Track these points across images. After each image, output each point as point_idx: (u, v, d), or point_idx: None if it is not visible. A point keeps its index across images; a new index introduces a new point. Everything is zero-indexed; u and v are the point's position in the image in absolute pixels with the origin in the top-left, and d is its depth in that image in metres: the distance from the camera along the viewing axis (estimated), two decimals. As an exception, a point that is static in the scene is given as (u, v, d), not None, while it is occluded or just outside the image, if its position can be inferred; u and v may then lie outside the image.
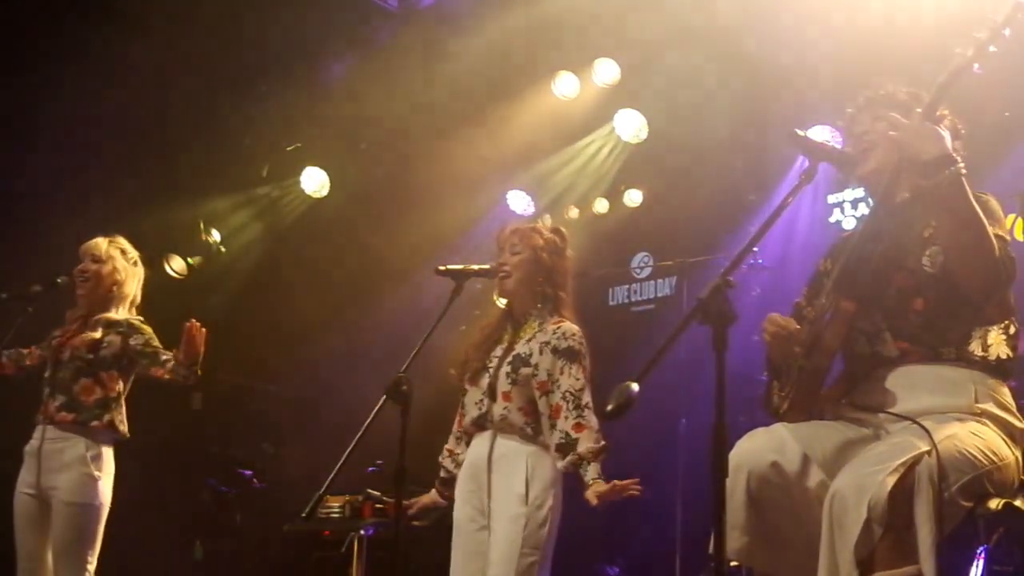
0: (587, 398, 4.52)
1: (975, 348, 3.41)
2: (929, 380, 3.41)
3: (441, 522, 7.24)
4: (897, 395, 3.43)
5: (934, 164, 3.24)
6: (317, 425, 9.04)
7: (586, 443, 4.44)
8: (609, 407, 2.67)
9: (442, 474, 4.97)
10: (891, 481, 3.01)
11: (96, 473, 5.28)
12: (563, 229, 4.92)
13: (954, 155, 3.26)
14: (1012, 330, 3.47)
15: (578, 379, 4.54)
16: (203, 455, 9.57)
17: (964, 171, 3.23)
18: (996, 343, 3.44)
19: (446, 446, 4.99)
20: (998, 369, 3.44)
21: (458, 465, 4.84)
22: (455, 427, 4.95)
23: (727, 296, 2.81)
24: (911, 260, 3.48)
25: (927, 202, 3.43)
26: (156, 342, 5.49)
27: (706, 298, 2.79)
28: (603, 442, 4.46)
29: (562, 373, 4.55)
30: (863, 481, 3.03)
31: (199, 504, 9.43)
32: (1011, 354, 3.43)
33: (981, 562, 5.47)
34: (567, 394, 4.52)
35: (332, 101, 8.80)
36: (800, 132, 3.42)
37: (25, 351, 5.66)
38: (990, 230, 3.27)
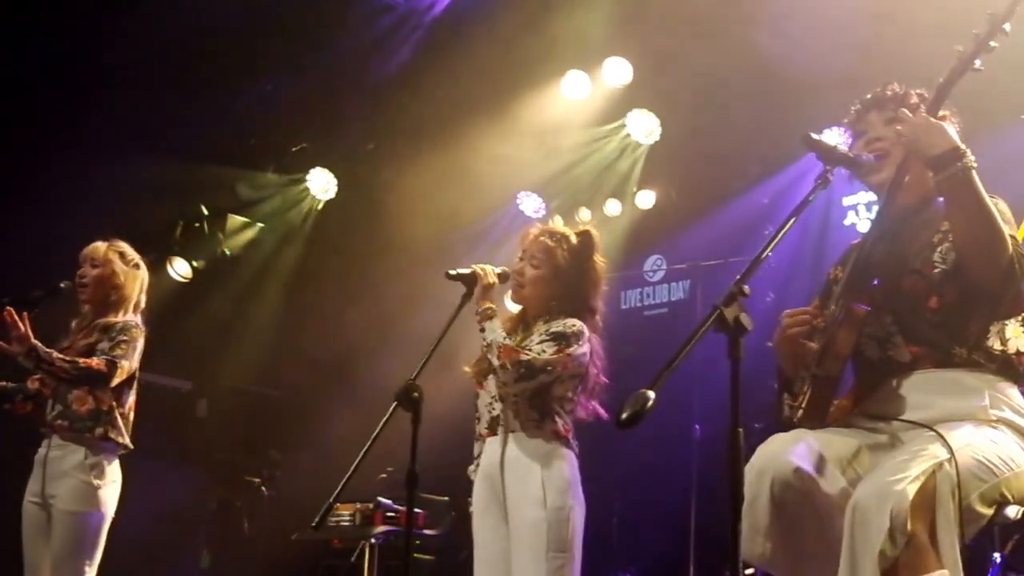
0: (539, 361, 4.43)
1: (993, 343, 3.38)
2: (942, 386, 3.37)
3: (452, 530, 7.24)
4: (910, 402, 3.39)
5: (944, 158, 3.23)
6: (325, 431, 8.99)
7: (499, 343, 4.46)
8: (624, 415, 2.61)
9: None
10: (912, 490, 2.96)
11: (96, 482, 5.22)
12: (593, 232, 4.83)
13: (964, 148, 3.25)
14: None
15: (542, 343, 4.49)
16: (209, 463, 9.53)
17: (974, 164, 3.22)
18: (1015, 336, 3.42)
19: None
20: (1012, 370, 3.41)
21: None
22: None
23: (743, 305, 2.77)
24: (919, 263, 3.45)
25: (936, 209, 3.44)
26: (129, 347, 5.35)
27: (721, 306, 2.74)
28: (508, 363, 4.41)
29: (540, 344, 4.50)
30: (884, 490, 2.98)
31: (206, 512, 9.40)
32: None
33: (997, 569, 5.46)
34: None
35: (338, 101, 8.75)
36: (815, 136, 3.37)
37: (35, 382, 5.54)
38: (1003, 225, 3.25)
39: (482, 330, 4.54)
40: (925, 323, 3.40)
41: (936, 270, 3.40)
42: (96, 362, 5.23)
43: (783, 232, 3.10)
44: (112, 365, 5.25)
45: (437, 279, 4.77)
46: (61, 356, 5.21)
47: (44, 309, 5.44)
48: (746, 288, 2.80)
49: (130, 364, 5.36)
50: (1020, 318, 3.44)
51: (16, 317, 5.12)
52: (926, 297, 3.41)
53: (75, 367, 5.20)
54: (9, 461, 5.68)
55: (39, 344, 5.17)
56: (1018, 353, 3.40)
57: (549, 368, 4.45)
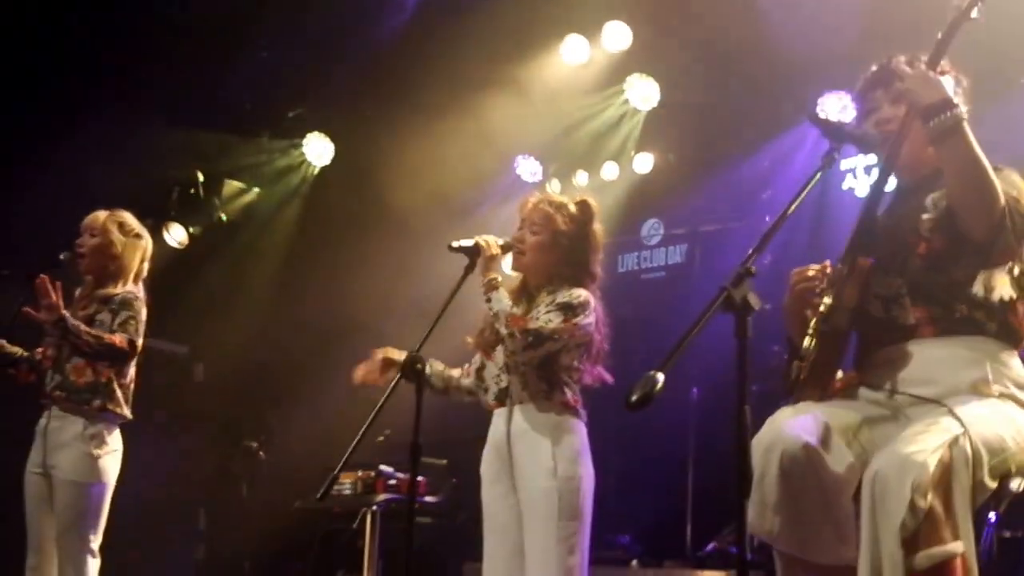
0: (547, 329, 4.43)
1: (977, 290, 3.42)
2: (943, 360, 3.41)
3: (453, 497, 7.26)
4: (913, 377, 3.43)
5: (934, 107, 3.29)
6: (322, 395, 9.00)
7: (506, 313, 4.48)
8: (634, 397, 2.63)
9: (428, 370, 4.73)
10: (933, 462, 3.02)
11: (96, 452, 5.23)
12: (591, 201, 4.84)
13: (954, 100, 3.31)
14: (1016, 271, 3.49)
15: (548, 313, 4.49)
16: (207, 427, 9.55)
17: (965, 116, 3.29)
18: (1000, 284, 3.45)
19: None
20: (1012, 333, 3.45)
21: (445, 381, 4.84)
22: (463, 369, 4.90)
23: (750, 285, 2.78)
24: (918, 221, 3.49)
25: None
26: (138, 325, 5.35)
27: (729, 287, 2.76)
28: (516, 332, 4.41)
29: (546, 314, 4.51)
30: (905, 462, 3.02)
31: (203, 475, 9.43)
32: (1015, 295, 3.46)
33: (991, 528, 5.51)
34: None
35: (335, 67, 8.71)
36: (821, 114, 3.40)
37: (38, 353, 5.54)
38: (995, 178, 3.29)
39: (488, 300, 4.54)
40: (921, 275, 3.45)
41: (926, 215, 3.46)
42: (119, 339, 5.24)
43: (790, 211, 3.10)
44: (132, 345, 5.28)
45: (435, 244, 4.79)
46: (87, 329, 5.20)
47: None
48: (753, 268, 2.81)
49: (141, 341, 5.38)
50: (1007, 267, 3.47)
51: (49, 286, 5.11)
52: (916, 245, 3.46)
53: (99, 342, 5.20)
54: (11, 432, 5.68)
55: (68, 314, 5.17)
56: (1001, 301, 3.44)
57: (556, 336, 4.46)
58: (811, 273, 3.57)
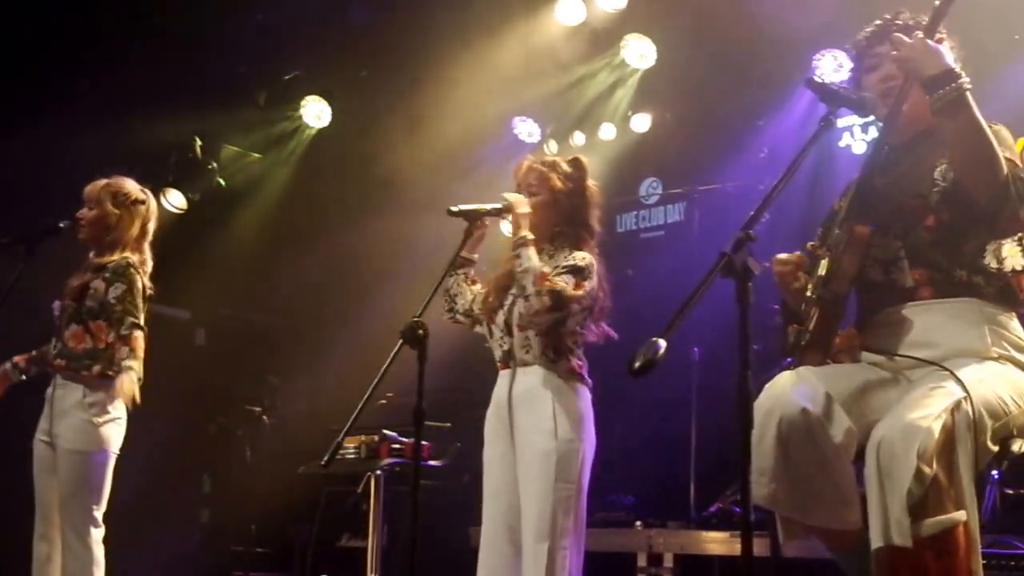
0: (570, 290, 4.44)
1: (990, 261, 3.44)
2: (943, 323, 3.43)
3: (457, 460, 7.27)
4: (913, 340, 3.45)
5: (939, 79, 3.28)
6: (324, 357, 9.04)
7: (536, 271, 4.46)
8: (637, 364, 2.65)
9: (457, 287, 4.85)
10: (937, 427, 3.04)
11: (96, 420, 5.22)
12: (583, 159, 4.85)
13: (958, 70, 3.30)
14: None
15: (560, 276, 4.49)
16: (209, 391, 9.56)
17: (969, 86, 3.27)
18: (1011, 255, 3.48)
19: None
20: (1011, 296, 3.47)
21: (466, 300, 4.83)
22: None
23: (750, 250, 2.79)
24: (923, 188, 3.49)
25: (941, 138, 3.46)
26: (135, 298, 5.32)
27: (729, 253, 2.77)
28: (544, 291, 4.40)
29: (558, 276, 4.51)
30: (910, 428, 3.05)
31: (207, 439, 9.45)
32: None
33: (994, 487, 5.55)
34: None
35: (330, 30, 8.67)
36: (819, 79, 3.40)
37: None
38: (998, 147, 3.28)
39: (518, 256, 4.52)
40: (924, 243, 3.46)
41: (936, 189, 3.45)
42: (135, 338, 5.24)
43: (789, 177, 3.10)
44: (142, 330, 5.29)
45: (434, 206, 4.79)
46: (128, 364, 5.22)
47: (48, 247, 5.43)
48: (753, 233, 2.81)
49: (141, 314, 5.34)
50: (1016, 237, 3.48)
51: None
52: (924, 216, 3.46)
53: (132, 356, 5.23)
54: (25, 400, 5.68)
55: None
56: (1014, 272, 3.46)
57: (573, 303, 4.47)
58: (790, 266, 3.63)
